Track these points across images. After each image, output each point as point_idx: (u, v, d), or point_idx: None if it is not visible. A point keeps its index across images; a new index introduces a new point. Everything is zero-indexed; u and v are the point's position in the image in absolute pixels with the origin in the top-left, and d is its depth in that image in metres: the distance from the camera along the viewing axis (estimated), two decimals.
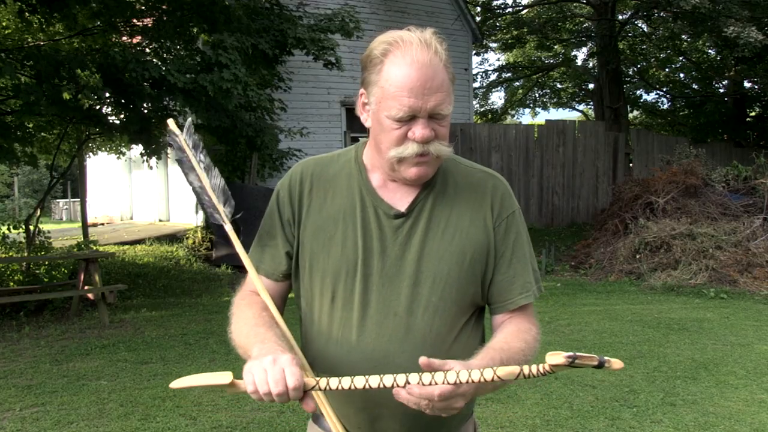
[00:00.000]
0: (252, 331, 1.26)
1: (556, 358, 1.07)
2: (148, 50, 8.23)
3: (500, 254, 1.37)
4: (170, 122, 1.45)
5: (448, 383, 1.08)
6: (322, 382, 1.13)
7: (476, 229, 1.35)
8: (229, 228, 1.41)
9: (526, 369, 1.10)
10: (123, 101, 7.70)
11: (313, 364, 1.34)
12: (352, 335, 1.30)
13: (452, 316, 1.32)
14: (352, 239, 1.32)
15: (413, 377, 1.09)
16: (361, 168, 1.38)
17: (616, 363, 1.09)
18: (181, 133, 1.44)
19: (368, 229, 1.33)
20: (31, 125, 8.80)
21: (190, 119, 1.51)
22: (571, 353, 1.06)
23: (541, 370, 1.10)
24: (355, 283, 1.31)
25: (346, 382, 1.11)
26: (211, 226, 10.74)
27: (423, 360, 1.09)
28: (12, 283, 7.60)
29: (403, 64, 1.23)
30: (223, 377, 1.15)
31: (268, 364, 1.11)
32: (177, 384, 1.17)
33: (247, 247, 1.45)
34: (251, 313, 1.31)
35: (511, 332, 1.32)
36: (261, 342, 1.20)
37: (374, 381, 1.10)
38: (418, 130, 1.24)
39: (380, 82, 1.26)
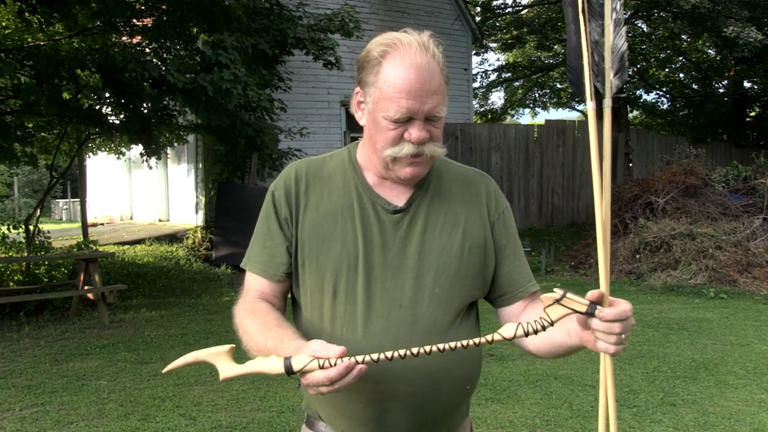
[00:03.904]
0: (267, 335, 1.24)
1: (548, 297, 1.11)
2: (148, 50, 8.23)
3: (502, 247, 1.42)
4: None
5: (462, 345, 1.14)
6: (365, 358, 1.13)
7: (473, 223, 1.39)
8: (608, 102, 1.15)
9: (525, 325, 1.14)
10: (123, 101, 7.70)
11: None
12: (357, 329, 1.31)
13: (454, 307, 1.35)
14: (352, 234, 1.34)
15: (439, 346, 1.14)
16: (355, 167, 1.41)
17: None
18: None
19: (368, 224, 1.35)
20: (31, 125, 8.80)
21: None
22: (563, 291, 1.10)
23: (540, 323, 1.12)
24: (357, 277, 1.32)
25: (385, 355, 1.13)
26: (215, 226, 10.71)
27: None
28: (12, 283, 7.59)
29: (401, 66, 1.25)
30: (219, 351, 1.17)
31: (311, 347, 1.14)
32: (173, 366, 1.19)
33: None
34: (258, 321, 1.29)
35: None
36: (282, 342, 1.20)
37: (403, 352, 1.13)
38: (415, 132, 1.27)
39: (378, 83, 1.28)
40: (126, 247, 10.68)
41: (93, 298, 6.95)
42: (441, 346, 1.13)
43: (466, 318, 1.39)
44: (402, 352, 1.13)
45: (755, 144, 20.23)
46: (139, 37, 8.46)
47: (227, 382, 4.66)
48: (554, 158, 13.75)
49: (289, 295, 1.46)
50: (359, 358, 1.12)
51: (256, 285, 1.41)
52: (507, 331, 1.14)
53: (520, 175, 13.48)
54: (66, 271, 8.08)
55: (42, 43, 7.83)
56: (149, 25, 8.27)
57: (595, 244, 10.75)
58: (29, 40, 8.11)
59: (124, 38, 8.59)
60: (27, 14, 7.27)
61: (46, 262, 7.96)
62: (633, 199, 10.75)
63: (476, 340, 1.14)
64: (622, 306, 1.10)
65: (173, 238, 11.22)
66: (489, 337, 1.14)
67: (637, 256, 9.39)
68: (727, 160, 14.62)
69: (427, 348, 1.13)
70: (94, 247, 8.85)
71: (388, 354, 1.13)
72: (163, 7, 8.09)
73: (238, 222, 9.53)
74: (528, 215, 13.54)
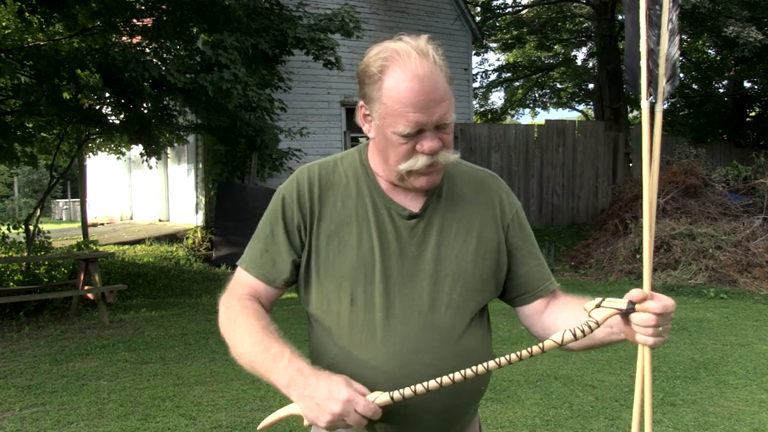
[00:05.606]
0: (263, 347, 1.24)
1: (590, 304, 1.21)
2: (148, 50, 8.23)
3: (518, 247, 1.42)
4: None
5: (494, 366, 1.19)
6: (394, 394, 1.19)
7: (486, 227, 1.39)
8: (659, 108, 1.18)
9: (573, 332, 1.18)
10: (123, 101, 7.70)
11: (332, 370, 1.30)
12: (377, 336, 1.29)
13: (470, 312, 1.35)
14: (368, 241, 1.32)
15: (463, 372, 1.18)
16: (368, 171, 1.38)
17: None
18: None
19: (384, 231, 1.33)
20: (31, 125, 8.80)
21: None
22: (599, 299, 1.21)
23: (588, 327, 1.18)
24: (375, 284, 1.30)
25: (409, 391, 1.18)
26: (215, 226, 10.70)
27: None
28: (12, 283, 7.59)
29: (403, 79, 1.22)
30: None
31: (332, 399, 1.16)
32: (267, 423, 1.27)
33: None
34: (250, 327, 1.28)
35: (569, 301, 1.39)
36: (280, 361, 1.22)
37: (433, 383, 1.18)
38: (426, 144, 1.25)
39: (382, 98, 1.25)
40: (126, 247, 10.68)
41: (93, 298, 6.95)
42: (496, 361, 1.18)
43: (479, 321, 1.39)
44: (459, 374, 1.18)
45: (755, 144, 20.21)
46: (139, 37, 8.46)
47: (227, 382, 4.66)
48: (554, 158, 13.74)
49: (300, 298, 1.43)
50: (405, 391, 1.19)
51: (249, 281, 1.37)
52: (558, 336, 1.18)
53: (520, 175, 13.47)
54: (66, 271, 8.08)
55: (42, 43, 7.83)
56: (149, 25, 8.26)
57: (595, 245, 10.75)
58: (29, 40, 8.11)
59: (124, 38, 8.58)
60: (27, 14, 7.27)
61: (46, 262, 7.96)
62: (633, 199, 10.74)
63: (529, 350, 1.16)
64: (663, 302, 1.14)
65: (173, 238, 11.22)
66: (541, 345, 1.17)
67: (637, 256, 9.39)
68: (727, 160, 14.62)
69: (475, 368, 1.18)
70: (94, 247, 8.85)
71: (430, 383, 1.18)
72: (163, 7, 8.09)
73: (238, 222, 9.53)
74: (528, 215, 13.14)
